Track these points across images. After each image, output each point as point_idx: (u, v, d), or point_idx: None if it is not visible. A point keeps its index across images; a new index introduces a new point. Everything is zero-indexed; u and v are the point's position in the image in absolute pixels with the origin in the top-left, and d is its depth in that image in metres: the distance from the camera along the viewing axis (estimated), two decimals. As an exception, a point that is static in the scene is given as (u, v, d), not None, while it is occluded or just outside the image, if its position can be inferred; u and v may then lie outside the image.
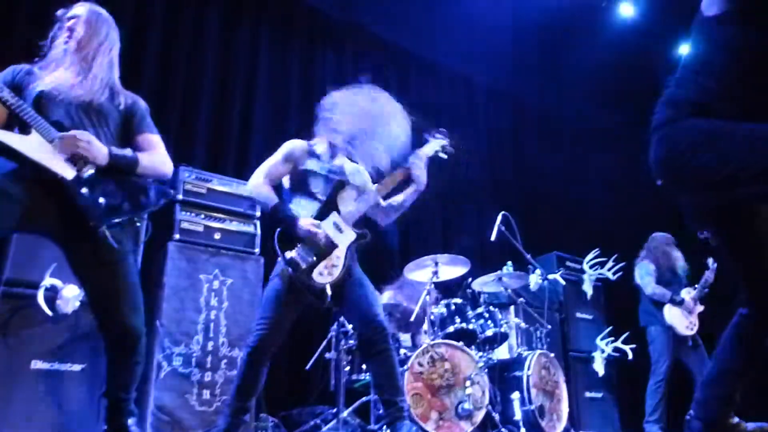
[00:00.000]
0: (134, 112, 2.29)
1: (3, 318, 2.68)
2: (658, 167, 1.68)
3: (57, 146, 1.99)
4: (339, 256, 2.53)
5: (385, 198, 2.79)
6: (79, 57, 2.16)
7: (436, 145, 2.90)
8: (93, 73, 2.16)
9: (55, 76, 2.12)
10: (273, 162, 2.67)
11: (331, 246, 2.51)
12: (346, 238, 2.58)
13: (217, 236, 3.47)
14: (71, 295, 2.79)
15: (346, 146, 2.71)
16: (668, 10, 6.30)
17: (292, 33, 5.33)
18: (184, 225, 3.40)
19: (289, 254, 2.43)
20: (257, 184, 2.61)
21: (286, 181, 2.70)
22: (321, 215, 2.57)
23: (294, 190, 2.67)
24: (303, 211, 2.57)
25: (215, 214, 3.52)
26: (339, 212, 2.60)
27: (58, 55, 2.17)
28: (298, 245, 2.46)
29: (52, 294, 2.77)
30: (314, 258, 2.46)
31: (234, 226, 3.54)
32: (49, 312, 2.75)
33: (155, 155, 2.28)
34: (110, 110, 2.21)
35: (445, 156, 2.91)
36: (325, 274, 2.47)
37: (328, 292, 2.46)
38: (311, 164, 2.67)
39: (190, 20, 4.69)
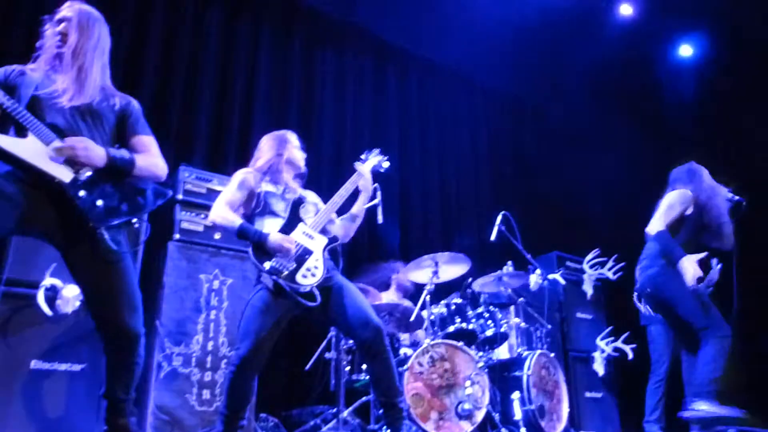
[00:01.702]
0: (128, 113, 2.28)
1: (3, 318, 2.67)
2: None
3: (54, 154, 1.99)
4: (317, 259, 2.60)
5: (338, 213, 2.91)
6: (74, 63, 2.13)
7: (374, 160, 3.10)
8: (89, 79, 2.15)
9: (49, 79, 2.10)
10: (229, 191, 2.75)
11: (306, 252, 2.59)
12: (318, 243, 2.66)
13: (217, 236, 3.46)
14: (71, 295, 2.78)
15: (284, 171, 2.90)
16: (668, 10, 6.30)
17: (292, 33, 5.33)
18: (184, 225, 3.40)
19: (268, 264, 2.49)
20: (218, 211, 2.67)
21: (245, 210, 2.77)
22: (288, 228, 2.64)
23: (257, 214, 2.74)
24: (268, 229, 2.62)
25: (215, 214, 3.50)
26: (305, 223, 2.69)
27: (52, 60, 2.14)
28: (275, 256, 2.52)
29: (52, 294, 2.77)
30: (294, 264, 2.52)
31: (234, 226, 3.53)
32: (49, 312, 2.74)
33: (150, 157, 2.26)
34: (105, 112, 2.20)
35: (382, 170, 3.14)
36: (308, 276, 2.53)
37: (316, 292, 2.52)
38: (266, 186, 2.79)
39: (190, 20, 4.69)
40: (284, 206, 2.75)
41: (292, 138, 3.00)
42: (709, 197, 3.52)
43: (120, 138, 2.26)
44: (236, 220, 2.61)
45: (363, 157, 3.13)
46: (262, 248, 2.53)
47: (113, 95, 2.26)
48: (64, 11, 2.19)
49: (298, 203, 2.75)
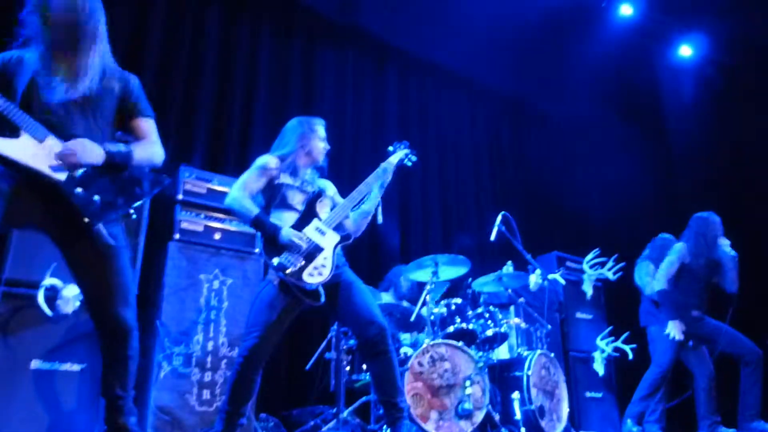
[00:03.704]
0: (128, 94, 2.23)
1: (3, 318, 2.68)
2: None
3: (55, 163, 1.97)
4: (326, 257, 2.58)
5: (353, 208, 2.87)
6: (72, 50, 2.08)
7: (401, 154, 3.05)
8: (87, 66, 2.09)
9: (46, 68, 2.06)
10: (249, 176, 2.72)
11: (317, 249, 2.57)
12: (330, 240, 2.63)
13: (217, 236, 3.46)
14: (71, 295, 2.79)
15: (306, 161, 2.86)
16: (668, 10, 6.31)
17: (292, 33, 5.33)
18: (184, 225, 3.40)
19: (277, 259, 2.48)
20: (236, 196, 2.65)
21: (263, 199, 2.75)
22: (302, 223, 2.63)
23: (273, 205, 2.72)
24: (284, 222, 2.61)
25: (215, 214, 3.51)
26: (320, 219, 2.67)
27: (50, 46, 2.08)
28: (285, 251, 2.51)
29: (52, 294, 2.77)
30: (302, 261, 2.51)
31: (234, 225, 3.54)
32: (49, 312, 2.75)
33: (148, 145, 2.22)
34: (103, 96, 2.15)
35: (410, 164, 3.08)
36: (315, 275, 2.52)
37: (321, 291, 2.52)
38: (285, 178, 2.75)
39: (190, 20, 4.69)
40: (301, 199, 2.73)
41: (319, 129, 2.94)
42: (700, 253, 4.07)
43: (120, 120, 2.22)
44: (253, 209, 2.60)
45: (390, 149, 3.05)
46: (274, 242, 2.53)
47: (112, 77, 2.20)
48: None
49: (315, 197, 2.72)
